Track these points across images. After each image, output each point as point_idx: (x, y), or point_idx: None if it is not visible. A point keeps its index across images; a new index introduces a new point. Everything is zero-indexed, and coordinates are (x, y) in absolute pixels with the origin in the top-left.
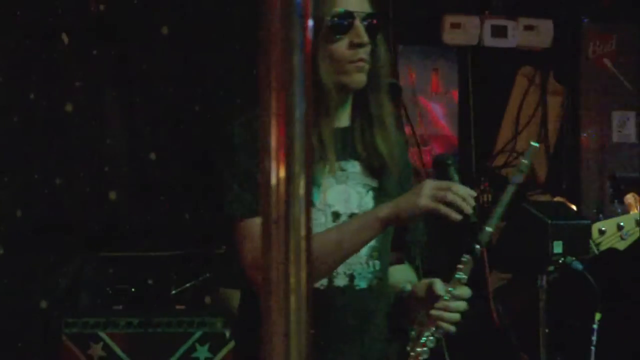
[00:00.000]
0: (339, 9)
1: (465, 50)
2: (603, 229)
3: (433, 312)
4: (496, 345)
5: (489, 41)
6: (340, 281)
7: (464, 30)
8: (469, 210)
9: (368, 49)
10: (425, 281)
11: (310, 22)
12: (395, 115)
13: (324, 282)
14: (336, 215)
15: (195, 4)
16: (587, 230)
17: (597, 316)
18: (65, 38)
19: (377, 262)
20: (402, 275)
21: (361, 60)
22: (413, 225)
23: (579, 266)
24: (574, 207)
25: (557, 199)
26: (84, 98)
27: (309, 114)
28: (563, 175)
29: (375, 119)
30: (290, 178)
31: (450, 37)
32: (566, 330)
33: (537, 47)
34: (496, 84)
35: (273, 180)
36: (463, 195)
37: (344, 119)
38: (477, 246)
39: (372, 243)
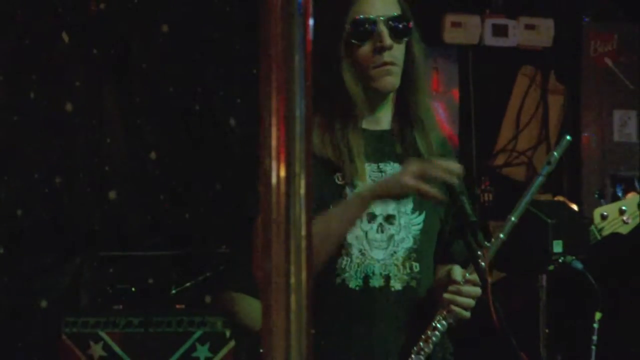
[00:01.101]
0: (360, 15)
1: (466, 50)
2: (605, 213)
3: (446, 295)
4: (496, 345)
5: (490, 40)
6: (376, 282)
7: (464, 29)
8: (454, 181)
9: (395, 52)
10: (447, 267)
11: (311, 22)
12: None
13: (359, 283)
14: (372, 216)
15: (195, 3)
16: (587, 230)
17: (598, 316)
18: (65, 37)
19: (416, 264)
20: None
21: (386, 63)
22: (459, 236)
23: (579, 265)
24: (574, 207)
25: (558, 198)
26: (84, 97)
27: (309, 113)
28: (564, 175)
29: (414, 120)
30: (290, 177)
31: (451, 36)
32: (566, 330)
33: (538, 46)
34: (497, 83)
35: (273, 180)
36: (446, 168)
37: (384, 122)
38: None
39: (410, 244)
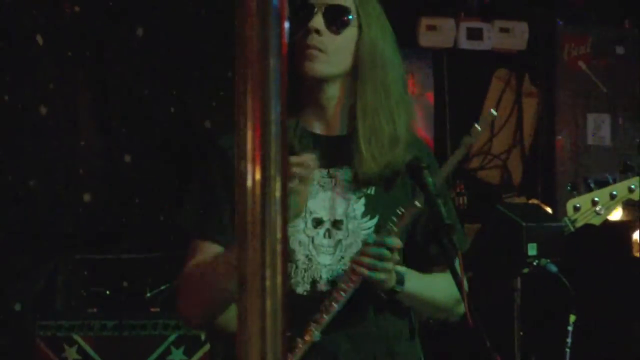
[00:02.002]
0: (300, 1)
1: (440, 53)
2: (578, 205)
3: (353, 257)
4: (470, 346)
5: (465, 43)
6: (323, 287)
7: (439, 32)
8: (308, 175)
9: (326, 39)
10: None
11: (286, 24)
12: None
13: (307, 288)
14: (318, 221)
15: (171, 5)
16: (562, 233)
17: (572, 318)
18: (39, 39)
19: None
20: (440, 284)
21: (309, 47)
22: (433, 239)
23: (554, 268)
24: (548, 210)
25: (532, 201)
26: (59, 100)
27: (284, 115)
28: (538, 178)
29: (357, 124)
30: (266, 180)
31: (426, 39)
32: (541, 332)
33: (513, 49)
34: (472, 86)
35: (249, 183)
36: (299, 162)
37: (338, 127)
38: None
39: (358, 249)
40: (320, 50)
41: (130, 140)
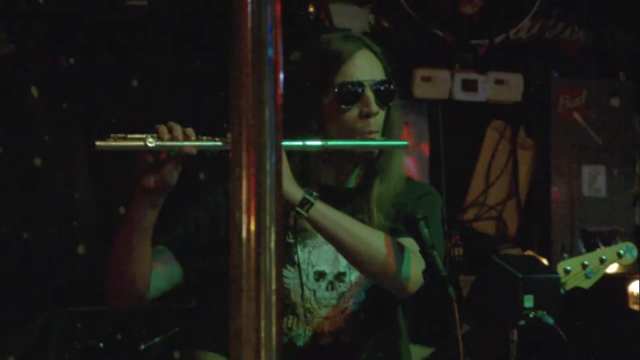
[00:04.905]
0: (349, 78)
1: (436, 104)
2: (568, 268)
3: None
4: None
5: (460, 95)
6: (325, 339)
7: (434, 84)
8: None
9: (379, 118)
10: None
11: (281, 76)
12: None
13: (307, 340)
14: (320, 274)
15: (164, 56)
16: (558, 284)
17: None
18: (34, 91)
19: (366, 316)
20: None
21: (371, 132)
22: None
23: (550, 320)
24: (544, 261)
25: (528, 252)
26: (53, 152)
27: (279, 166)
28: (533, 229)
29: (381, 179)
30: (261, 231)
31: (421, 90)
32: None
33: (508, 101)
34: (467, 138)
35: (244, 234)
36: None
37: (348, 180)
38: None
39: (362, 298)
40: (378, 132)
41: (125, 192)
